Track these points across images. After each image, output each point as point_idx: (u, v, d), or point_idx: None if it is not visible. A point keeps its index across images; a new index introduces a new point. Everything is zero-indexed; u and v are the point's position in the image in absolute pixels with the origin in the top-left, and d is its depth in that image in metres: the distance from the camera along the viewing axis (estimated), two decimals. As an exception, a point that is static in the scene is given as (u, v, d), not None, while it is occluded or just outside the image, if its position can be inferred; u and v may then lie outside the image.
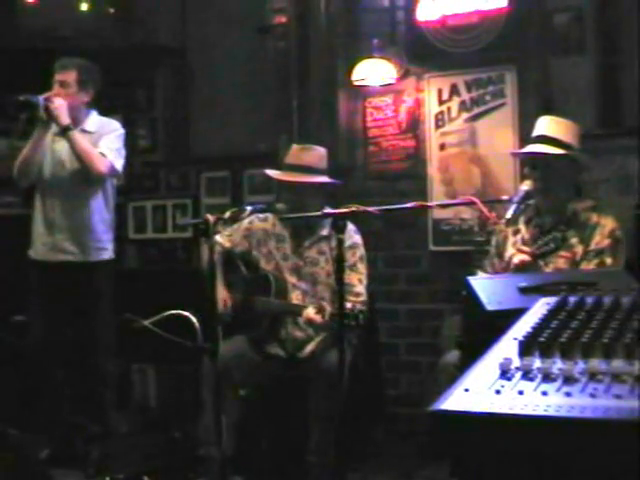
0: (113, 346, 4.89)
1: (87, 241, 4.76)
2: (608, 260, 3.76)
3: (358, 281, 4.36)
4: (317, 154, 4.50)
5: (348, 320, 3.71)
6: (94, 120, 4.84)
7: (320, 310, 4.09)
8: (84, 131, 4.74)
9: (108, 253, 4.85)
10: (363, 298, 4.32)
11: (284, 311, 4.41)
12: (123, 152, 4.81)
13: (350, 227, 4.26)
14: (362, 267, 4.41)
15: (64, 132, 4.59)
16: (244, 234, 4.60)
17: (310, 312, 4.14)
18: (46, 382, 4.85)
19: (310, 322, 4.17)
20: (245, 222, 4.58)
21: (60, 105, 4.58)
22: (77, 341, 4.83)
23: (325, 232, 4.38)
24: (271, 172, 4.56)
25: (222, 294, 4.46)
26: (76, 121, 4.70)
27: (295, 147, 4.60)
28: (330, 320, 4.00)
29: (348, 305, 3.83)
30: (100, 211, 4.79)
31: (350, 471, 3.73)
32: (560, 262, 3.81)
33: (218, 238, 4.44)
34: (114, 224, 4.96)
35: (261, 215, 4.59)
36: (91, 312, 4.78)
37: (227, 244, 4.58)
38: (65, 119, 4.58)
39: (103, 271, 4.82)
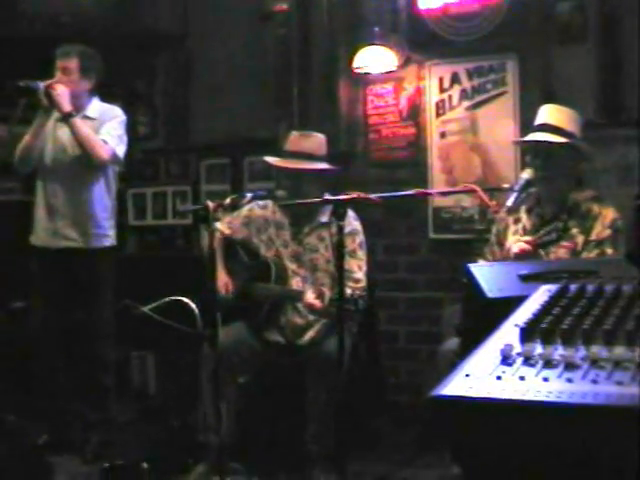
0: (113, 333, 4.88)
1: (88, 228, 4.75)
2: (609, 250, 3.76)
3: (357, 267, 4.35)
4: (316, 141, 4.49)
5: (347, 306, 3.71)
6: (96, 106, 4.82)
7: (319, 295, 4.09)
8: (86, 117, 4.73)
9: (109, 240, 4.84)
10: (362, 284, 4.32)
11: (284, 296, 4.41)
12: (125, 139, 4.80)
13: (350, 214, 4.26)
14: (362, 254, 4.40)
15: (66, 119, 4.58)
16: (244, 221, 4.59)
17: (310, 297, 4.14)
18: (45, 368, 4.85)
19: (309, 307, 4.17)
20: (245, 209, 4.58)
21: (62, 92, 4.56)
22: (77, 328, 4.82)
23: (325, 219, 4.37)
24: (270, 159, 4.55)
25: (223, 279, 4.46)
26: (78, 108, 4.69)
27: (294, 134, 4.58)
28: (329, 305, 4.01)
29: (347, 291, 3.83)
30: (102, 198, 4.77)
31: (350, 459, 3.72)
32: (561, 252, 3.81)
33: (218, 225, 4.44)
34: (115, 211, 4.95)
35: (261, 202, 4.58)
36: (91, 299, 4.77)
37: (227, 231, 4.58)
38: (67, 106, 4.57)
39: (104, 258, 4.80)
